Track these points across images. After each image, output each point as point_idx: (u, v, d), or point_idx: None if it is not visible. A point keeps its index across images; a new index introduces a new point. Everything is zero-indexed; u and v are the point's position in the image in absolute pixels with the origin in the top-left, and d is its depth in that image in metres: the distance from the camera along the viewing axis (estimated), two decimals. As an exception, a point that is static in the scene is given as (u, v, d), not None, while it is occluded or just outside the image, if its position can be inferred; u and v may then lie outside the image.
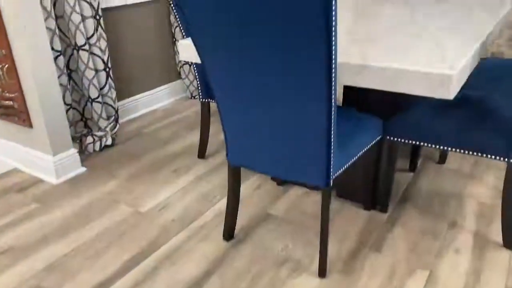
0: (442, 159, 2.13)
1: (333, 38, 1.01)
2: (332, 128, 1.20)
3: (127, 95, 2.77)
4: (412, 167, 2.07)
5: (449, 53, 1.28)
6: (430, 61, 1.21)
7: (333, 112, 1.17)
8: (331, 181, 1.31)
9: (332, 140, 1.23)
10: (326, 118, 1.18)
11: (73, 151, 2.10)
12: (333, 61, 1.06)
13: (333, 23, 0.99)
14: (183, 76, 3.10)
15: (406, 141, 1.58)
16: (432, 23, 1.70)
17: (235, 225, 1.63)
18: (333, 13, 0.97)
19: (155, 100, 2.97)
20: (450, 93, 1.14)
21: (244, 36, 1.11)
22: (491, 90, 1.84)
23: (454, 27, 1.63)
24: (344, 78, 1.29)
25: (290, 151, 1.30)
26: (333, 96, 1.13)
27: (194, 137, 2.50)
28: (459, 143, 1.49)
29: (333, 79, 1.10)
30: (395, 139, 1.60)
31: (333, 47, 1.03)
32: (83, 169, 2.15)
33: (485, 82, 1.88)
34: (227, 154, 1.49)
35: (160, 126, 2.67)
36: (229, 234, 1.61)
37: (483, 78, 1.90)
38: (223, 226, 1.69)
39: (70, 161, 2.09)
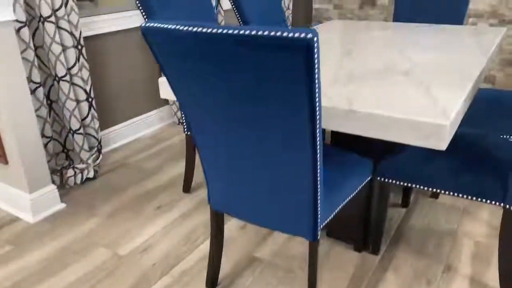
0: (435, 193, 2.06)
1: (317, 94, 0.94)
2: (318, 179, 1.13)
3: (112, 123, 2.69)
4: (405, 203, 1.99)
5: (441, 97, 1.21)
6: (422, 107, 1.14)
7: (318, 163, 1.10)
8: (319, 234, 1.23)
9: (318, 191, 1.15)
10: (311, 169, 1.10)
11: (52, 187, 2.01)
12: (317, 114, 0.99)
13: (316, 77, 0.92)
14: (170, 102, 3.03)
15: (397, 182, 1.51)
16: (422, 59, 1.64)
17: (219, 272, 1.54)
18: (316, 71, 0.90)
19: (142, 127, 2.89)
20: (443, 143, 1.07)
21: (222, 87, 1.04)
22: (486, 126, 1.78)
23: (446, 63, 1.57)
24: (330, 123, 1.22)
25: (274, 202, 1.22)
26: (318, 148, 1.06)
27: (180, 167, 2.42)
28: (452, 186, 1.42)
29: (317, 132, 1.02)
30: (386, 180, 1.53)
31: (317, 101, 0.96)
32: (63, 205, 2.06)
33: (480, 117, 1.82)
34: (208, 198, 1.41)
35: (146, 155, 2.59)
36: (212, 282, 1.52)
37: (478, 112, 1.85)
38: (206, 272, 1.60)
39: (48, 197, 2.00)
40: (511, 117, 1.84)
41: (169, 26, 1.01)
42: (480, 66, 1.55)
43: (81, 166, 2.26)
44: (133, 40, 2.69)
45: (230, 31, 0.92)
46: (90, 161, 2.31)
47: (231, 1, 2.35)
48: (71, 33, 2.15)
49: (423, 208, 1.97)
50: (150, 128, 2.95)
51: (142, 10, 1.82)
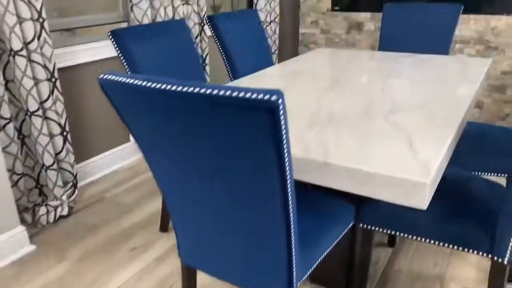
0: (423, 231, 1.98)
1: (286, 155, 0.87)
2: (292, 237, 1.05)
3: (89, 155, 2.60)
4: (391, 242, 1.91)
5: (423, 147, 1.13)
6: (400, 160, 1.07)
7: (292, 221, 1.02)
8: (294, 294, 1.14)
9: (292, 248, 1.07)
10: (284, 226, 1.03)
11: (20, 229, 1.91)
12: (288, 175, 0.91)
13: (283, 138, 0.85)
14: (152, 130, 2.95)
15: (380, 229, 1.44)
16: (405, 98, 1.57)
17: (192, 326, 1.45)
18: (283, 132, 0.83)
19: (119, 158, 2.80)
20: (423, 203, 1.00)
21: (189, 142, 0.96)
22: (473, 166, 1.72)
23: (430, 103, 1.50)
24: (304, 175, 1.14)
25: (245, 259, 1.14)
26: (290, 207, 0.98)
27: (158, 203, 2.33)
28: (436, 236, 1.34)
29: (289, 192, 0.95)
30: (368, 226, 1.45)
31: (286, 161, 0.89)
32: (32, 247, 1.95)
33: (467, 155, 1.76)
34: (178, 251, 1.32)
35: (123, 189, 2.49)
36: (184, 339, 1.42)
37: (464, 149, 1.78)
38: (179, 324, 1.50)
39: (16, 240, 1.89)
40: (498, 154, 1.78)
41: (133, 81, 0.93)
42: (466, 105, 1.49)
43: (54, 203, 2.16)
44: (110, 69, 2.62)
45: (192, 89, 0.84)
46: (64, 197, 2.21)
47: (211, 29, 2.29)
48: (44, 66, 2.07)
49: (410, 247, 1.89)
50: (128, 159, 2.86)
51: (121, 56, 1.75)
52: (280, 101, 0.79)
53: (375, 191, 1.05)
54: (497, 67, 3.27)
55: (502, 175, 1.74)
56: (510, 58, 3.21)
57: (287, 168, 0.91)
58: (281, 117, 0.81)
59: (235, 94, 0.80)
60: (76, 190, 2.31)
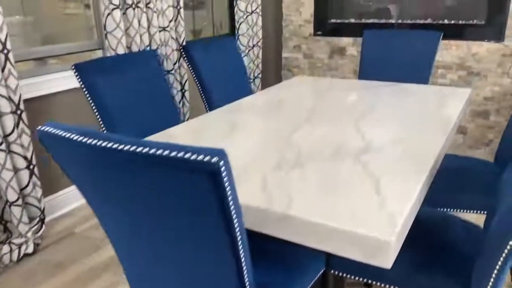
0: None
1: (235, 220, 0.80)
2: (249, 298, 0.97)
3: (58, 187, 2.50)
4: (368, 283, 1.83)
5: (391, 195, 1.06)
6: (366, 212, 0.99)
7: (246, 282, 0.94)
8: None
9: (251, 308, 0.99)
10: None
11: (-22, 271, 1.81)
12: (238, 236, 0.84)
13: (230, 200, 0.77)
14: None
15: (352, 277, 1.36)
16: (378, 135, 1.50)
17: None
18: (229, 195, 0.76)
19: (94, 190, 2.70)
20: (387, 261, 0.93)
21: (126, 198, 0.89)
22: (450, 203, 1.66)
23: (404, 140, 1.43)
24: (264, 227, 1.07)
25: (202, 319, 1.06)
26: (244, 268, 0.91)
27: (131, 238, 2.23)
28: (409, 285, 1.27)
29: (241, 253, 0.87)
30: (340, 273, 1.38)
31: (236, 226, 0.81)
32: (-9, 290, 1.85)
33: (444, 192, 1.70)
34: (136, 304, 1.24)
35: (94, 223, 2.39)
36: None
37: (442, 185, 1.72)
38: None
39: (-27, 283, 1.79)
40: (477, 190, 1.72)
41: (66, 135, 0.86)
42: (441, 141, 1.43)
43: (18, 240, 2.06)
44: (80, 100, 2.54)
45: (128, 147, 0.77)
46: (29, 234, 2.11)
47: (185, 59, 2.23)
48: (9, 98, 1.99)
49: None
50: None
51: (85, 91, 1.68)
52: (221, 163, 0.72)
53: (335, 247, 0.98)
54: (480, 93, 3.24)
55: (482, 212, 1.68)
56: (492, 84, 3.19)
57: (237, 229, 0.83)
58: (224, 180, 0.74)
59: (173, 154, 0.73)
60: (44, 226, 2.21)
